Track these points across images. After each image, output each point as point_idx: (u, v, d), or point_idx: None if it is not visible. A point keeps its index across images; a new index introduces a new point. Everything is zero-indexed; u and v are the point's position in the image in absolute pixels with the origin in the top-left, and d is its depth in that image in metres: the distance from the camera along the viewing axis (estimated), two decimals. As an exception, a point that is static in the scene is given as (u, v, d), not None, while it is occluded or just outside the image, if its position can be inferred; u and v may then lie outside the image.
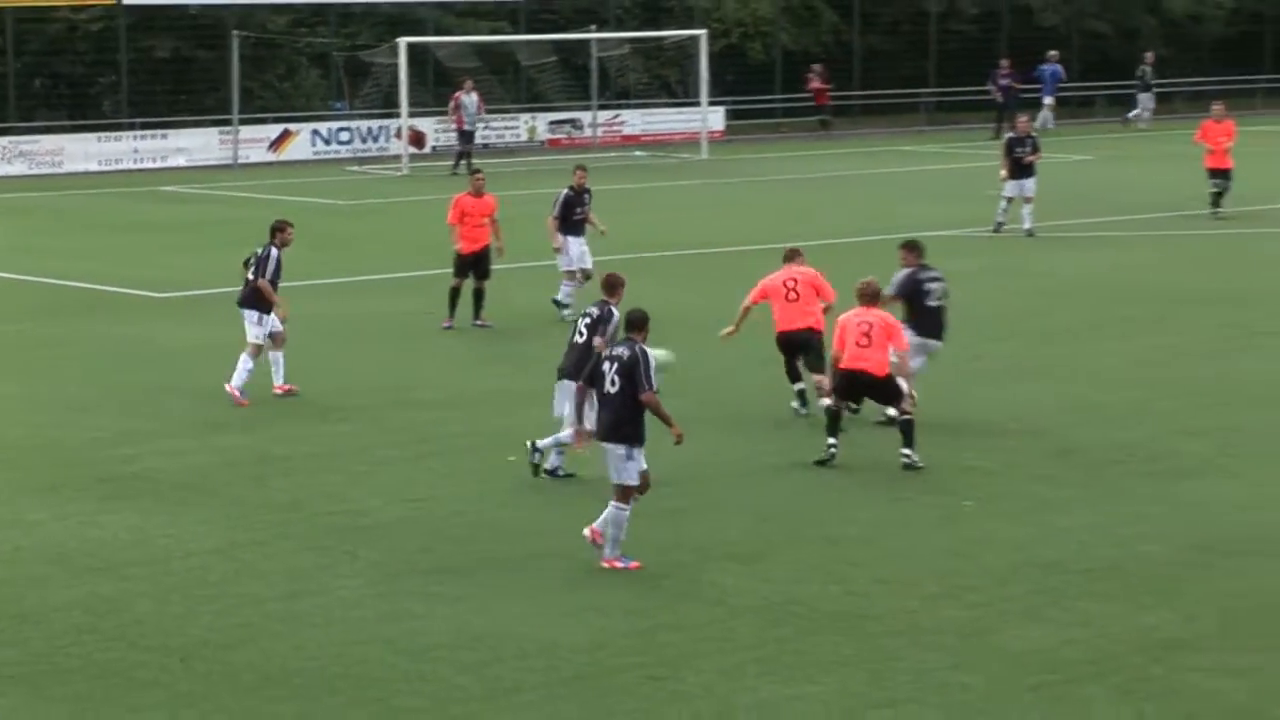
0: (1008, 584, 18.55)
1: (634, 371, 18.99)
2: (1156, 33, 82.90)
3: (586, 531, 19.19)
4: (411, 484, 22.41)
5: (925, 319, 25.03)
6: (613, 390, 19.14)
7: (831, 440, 23.15)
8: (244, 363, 26.87)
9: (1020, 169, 43.92)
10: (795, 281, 25.62)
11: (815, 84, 72.71)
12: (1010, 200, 43.87)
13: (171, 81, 65.82)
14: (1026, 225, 43.43)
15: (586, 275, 32.82)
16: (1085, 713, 15.32)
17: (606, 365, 19.29)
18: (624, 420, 19.09)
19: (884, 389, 23.36)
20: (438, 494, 21.96)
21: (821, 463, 22.99)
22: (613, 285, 22.60)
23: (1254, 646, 16.87)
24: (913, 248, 25.87)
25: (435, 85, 67.61)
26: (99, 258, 39.71)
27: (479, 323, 32.39)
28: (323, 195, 53.96)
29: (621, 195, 49.23)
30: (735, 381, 27.91)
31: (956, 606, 17.92)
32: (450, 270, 32.54)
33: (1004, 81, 71.99)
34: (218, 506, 21.48)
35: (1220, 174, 46.03)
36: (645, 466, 19.18)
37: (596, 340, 21.87)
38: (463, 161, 58.96)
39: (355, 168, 62.57)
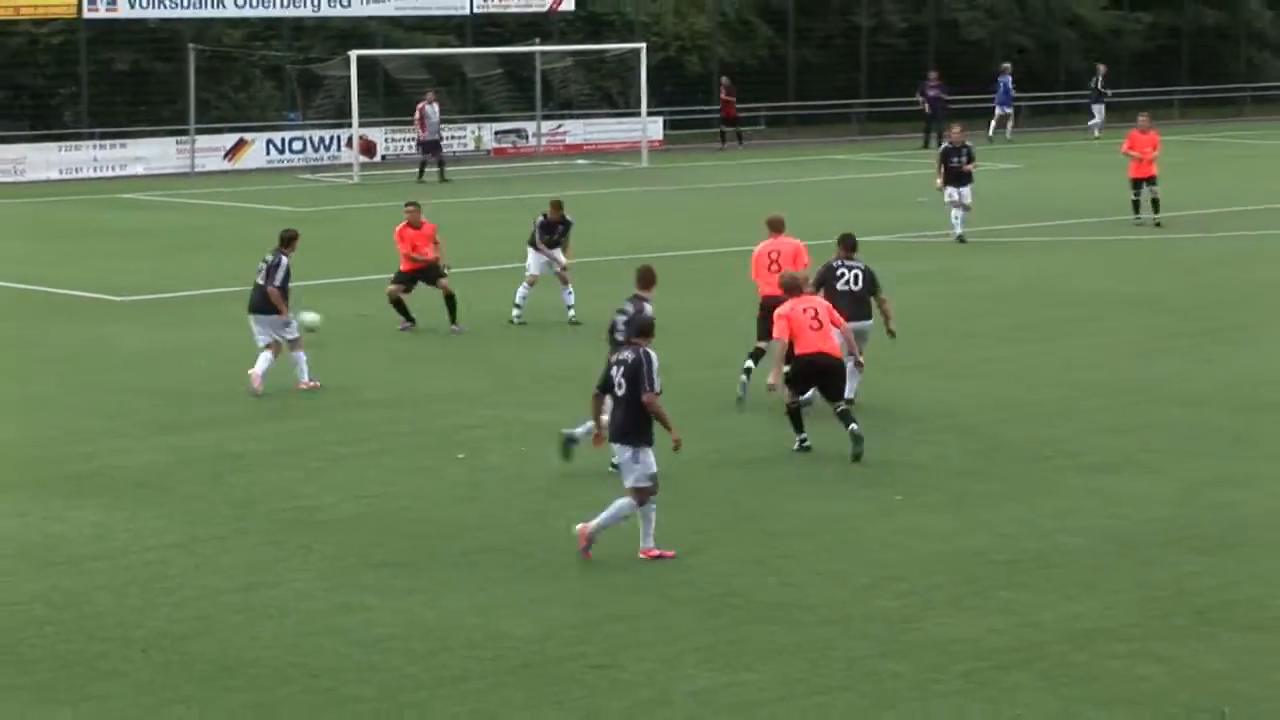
0: (935, 575, 18.61)
1: (638, 374, 18.95)
2: (1077, 46, 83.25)
3: (577, 529, 19.19)
4: (364, 481, 22.40)
5: (837, 303, 24.80)
6: (620, 393, 19.12)
7: (802, 435, 23.37)
8: (265, 360, 27.21)
9: (957, 177, 44.02)
10: (778, 254, 26.26)
11: (723, 96, 72.28)
12: (956, 206, 43.90)
13: (130, 93, 65.62)
14: (958, 230, 43.55)
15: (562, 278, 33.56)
16: (1011, 698, 15.36)
17: (615, 369, 19.25)
18: (630, 422, 19.08)
19: (839, 375, 23.53)
20: (389, 490, 21.95)
21: (806, 450, 23.31)
22: (647, 279, 22.63)
23: (1172, 634, 16.94)
24: (842, 241, 26.67)
25: (385, 96, 67.54)
26: (60, 263, 39.56)
27: (455, 329, 32.33)
28: (277, 202, 53.80)
29: (567, 201, 49.05)
30: (672, 379, 27.89)
31: (886, 597, 17.98)
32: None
33: (932, 93, 72.26)
34: (176, 503, 21.46)
35: (1145, 182, 46.11)
36: (654, 469, 19.09)
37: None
38: (429, 170, 59.75)
39: (308, 176, 62.45)
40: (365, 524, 20.53)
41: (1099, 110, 76.26)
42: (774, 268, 26.35)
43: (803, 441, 23.39)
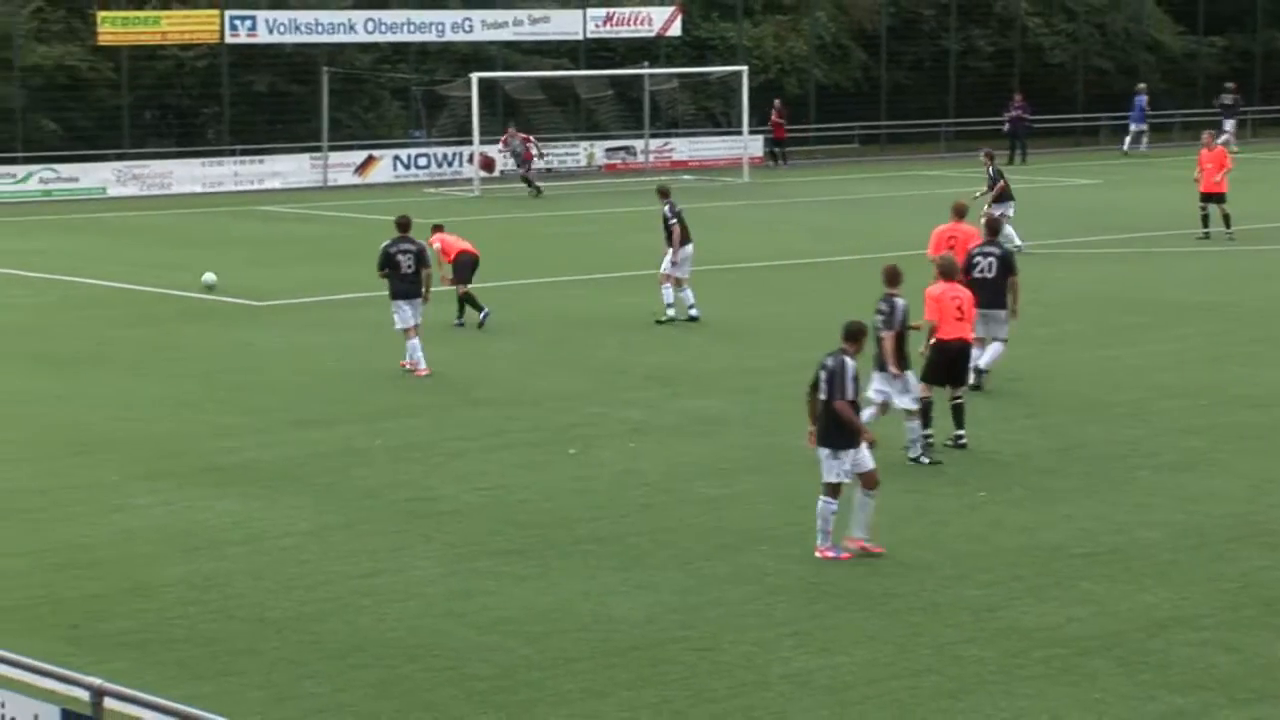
0: (1017, 566, 18.53)
1: (833, 380, 18.72)
2: (1155, 69, 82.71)
3: (846, 542, 18.86)
4: (482, 474, 22.44)
5: (975, 290, 24.75)
6: (823, 397, 18.83)
7: (928, 431, 23.05)
8: (414, 346, 28.64)
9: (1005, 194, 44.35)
10: (955, 238, 28.52)
11: (774, 118, 71.84)
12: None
13: (268, 112, 66.06)
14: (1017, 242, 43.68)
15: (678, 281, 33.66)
16: (1090, 683, 15.28)
17: (821, 374, 18.95)
18: (827, 425, 18.77)
19: (967, 363, 23.65)
20: (506, 483, 21.99)
21: (929, 446, 22.99)
22: (894, 277, 22.68)
23: (1242, 624, 16.83)
24: (987, 226, 27.31)
25: (504, 116, 67.73)
26: (203, 270, 39.80)
27: (459, 323, 33.36)
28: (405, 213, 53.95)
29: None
30: (769, 381, 27.92)
31: (972, 586, 17.91)
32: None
33: (1015, 113, 72.06)
34: (308, 493, 21.57)
35: (1213, 198, 45.68)
36: (855, 467, 18.72)
37: (885, 335, 22.15)
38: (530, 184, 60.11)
39: (432, 190, 62.68)
40: (483, 514, 20.58)
41: (1230, 125, 75.39)
42: (952, 248, 27.38)
43: (928, 437, 23.02)
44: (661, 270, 33.68)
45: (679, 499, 21.18)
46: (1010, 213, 43.58)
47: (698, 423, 25.35)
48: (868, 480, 18.88)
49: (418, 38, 67.72)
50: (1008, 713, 14.67)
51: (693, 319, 33.28)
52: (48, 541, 19.52)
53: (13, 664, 13.13)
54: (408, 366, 28.65)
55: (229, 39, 63.55)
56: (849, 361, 18.86)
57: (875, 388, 22.43)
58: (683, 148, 70.44)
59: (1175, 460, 23.17)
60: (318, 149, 63.87)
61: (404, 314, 28.77)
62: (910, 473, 22.39)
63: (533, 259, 43.00)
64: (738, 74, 67.45)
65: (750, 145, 67.90)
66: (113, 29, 61.76)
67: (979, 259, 26.33)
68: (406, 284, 28.85)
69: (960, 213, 29.62)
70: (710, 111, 72.98)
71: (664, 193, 34.77)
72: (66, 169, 60.12)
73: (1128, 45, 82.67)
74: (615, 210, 54.97)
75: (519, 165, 61.48)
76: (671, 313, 33.44)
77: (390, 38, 67.32)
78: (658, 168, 67.98)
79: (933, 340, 23.40)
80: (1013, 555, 18.93)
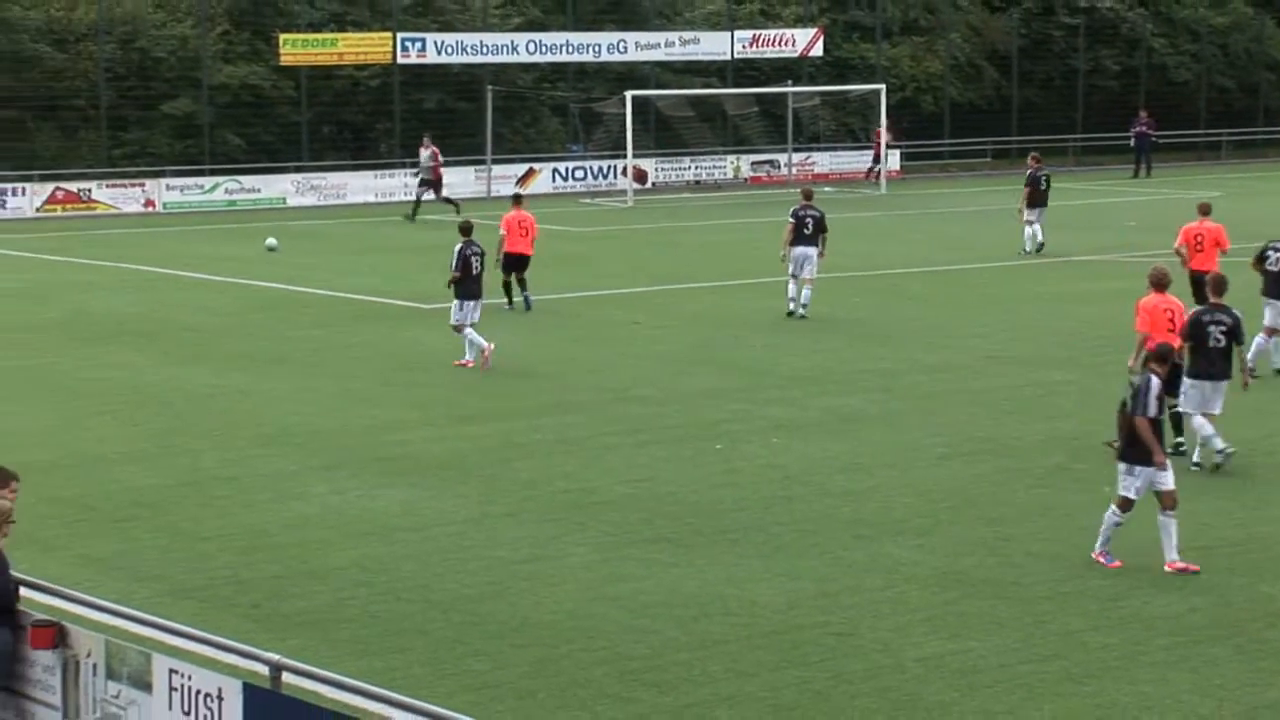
0: (1141, 557, 18.30)
1: (1136, 397, 18.09)
2: (1275, 86, 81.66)
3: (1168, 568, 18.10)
4: (633, 466, 22.48)
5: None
6: (1127, 411, 18.25)
7: (1179, 439, 22.37)
8: (483, 343, 29.25)
9: (1037, 197, 44.64)
10: (1203, 235, 27.49)
11: (878, 137, 70.82)
12: (1030, 224, 44.63)
13: (436, 128, 66.38)
14: (1028, 248, 44.45)
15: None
16: (1210, 669, 15.11)
17: (1129, 390, 18.36)
18: (1127, 441, 18.18)
19: (1178, 372, 22.49)
20: (656, 475, 22.00)
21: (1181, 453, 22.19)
22: (1219, 286, 22.41)
23: (1357, 616, 16.61)
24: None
25: (656, 131, 67.85)
26: (375, 274, 40.15)
27: (511, 306, 34.86)
28: (561, 224, 54.20)
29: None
30: (902, 382, 27.78)
31: (1097, 577, 17.74)
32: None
33: (1140, 128, 71.47)
34: (472, 484, 21.68)
35: None
36: (1152, 485, 18.01)
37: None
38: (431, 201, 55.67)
39: (588, 200, 62.87)
40: (634, 504, 20.60)
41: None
42: (1199, 246, 28.42)
43: (1179, 446, 22.24)
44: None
45: (818, 491, 21.12)
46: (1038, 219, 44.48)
47: (836, 420, 25.27)
48: (1166, 500, 18.08)
49: (576, 58, 67.95)
50: (1130, 697, 14.52)
51: (799, 316, 34.04)
52: (233, 526, 19.75)
53: (198, 640, 13.29)
54: (473, 363, 29.19)
55: (400, 60, 64.09)
56: (1154, 381, 18.14)
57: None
58: (823, 161, 70.28)
59: (1293, 459, 22.86)
60: (482, 162, 64.22)
61: (470, 312, 29.58)
62: (1036, 470, 22.20)
63: (683, 266, 43.04)
64: (876, 92, 67.29)
65: (888, 159, 67.64)
66: (293, 50, 62.42)
67: (1270, 251, 27.62)
68: (477, 284, 29.86)
69: (1205, 210, 30.18)
70: (850, 127, 72.78)
71: (805, 195, 35.95)
72: (250, 180, 60.80)
73: (1249, 65, 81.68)
74: (759, 220, 54.81)
75: (428, 185, 56.07)
76: (791, 306, 34.41)
77: (550, 58, 67.62)
78: (800, 180, 67.72)
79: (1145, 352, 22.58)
80: (1137, 547, 18.69)
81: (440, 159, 56.85)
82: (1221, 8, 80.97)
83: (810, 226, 34.46)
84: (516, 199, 37.32)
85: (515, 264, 35.16)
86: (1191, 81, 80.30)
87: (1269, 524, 19.70)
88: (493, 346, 29.05)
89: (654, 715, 14.19)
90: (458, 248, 30.23)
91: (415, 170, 58.26)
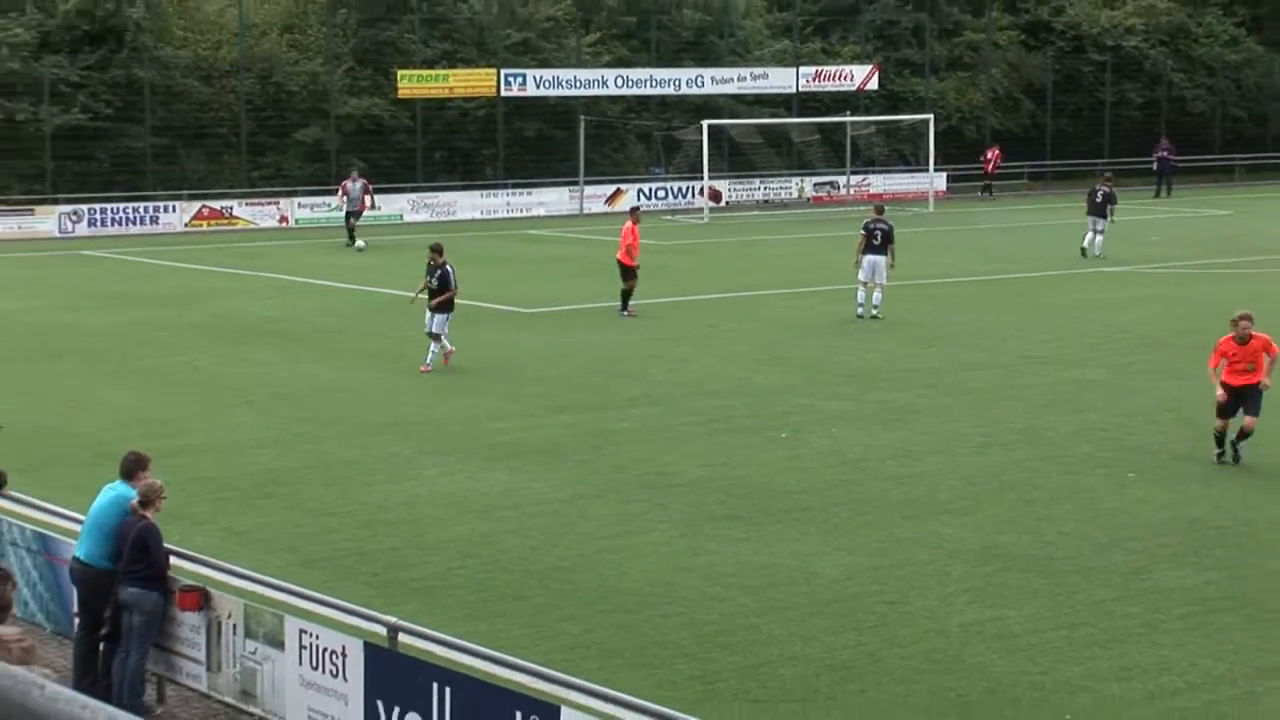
0: (1161, 536, 18.19)
1: None
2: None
3: None
4: (708, 452, 22.46)
5: None
6: None
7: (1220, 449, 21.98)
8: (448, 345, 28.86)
9: (1092, 207, 45.06)
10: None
11: (988, 157, 71.47)
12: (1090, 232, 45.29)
13: (536, 153, 66.61)
14: (1092, 248, 44.58)
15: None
16: (1223, 635, 14.98)
17: None
18: None
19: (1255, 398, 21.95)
20: (728, 460, 21.98)
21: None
22: None
23: (1355, 589, 16.43)
24: None
25: (729, 155, 67.76)
26: (482, 282, 40.17)
27: (625, 314, 34.45)
28: (646, 238, 54.02)
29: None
30: (947, 379, 27.62)
31: (1121, 553, 17.61)
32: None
33: (1161, 154, 71.12)
34: (566, 467, 21.71)
35: None
36: None
37: None
38: (351, 234, 50.99)
39: (669, 217, 62.82)
40: (709, 486, 20.59)
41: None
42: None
43: (1220, 455, 21.92)
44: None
45: (873, 476, 21.06)
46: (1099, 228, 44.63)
47: (889, 412, 25.18)
48: None
49: (658, 91, 67.94)
50: (1150, 660, 14.42)
51: (870, 317, 34.10)
52: (355, 503, 19.85)
53: (325, 604, 13.37)
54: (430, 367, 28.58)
55: (504, 93, 64.24)
56: None
57: None
58: (878, 182, 69.96)
59: (1298, 449, 22.62)
60: (575, 183, 64.28)
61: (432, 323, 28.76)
62: (1066, 458, 22.07)
63: (754, 275, 42.96)
64: (925, 121, 66.99)
65: (935, 181, 67.33)
66: (409, 85, 62.69)
67: None
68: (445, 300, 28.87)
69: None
70: (901, 152, 72.46)
71: (877, 209, 36.43)
72: (371, 195, 60.99)
73: (1259, 97, 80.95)
74: (821, 234, 54.74)
75: (354, 215, 51.28)
76: (860, 310, 34.33)
77: (636, 91, 67.63)
78: (857, 199, 67.60)
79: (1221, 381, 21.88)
80: (1157, 527, 18.59)
81: (370, 190, 52.48)
82: (1235, 46, 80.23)
83: (879, 238, 34.68)
84: (632, 211, 36.90)
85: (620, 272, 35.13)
86: (1207, 112, 79.62)
87: (1275, 507, 19.48)
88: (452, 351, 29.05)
89: (724, 673, 14.18)
90: (450, 268, 29.37)
91: (341, 202, 52.09)
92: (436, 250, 29.62)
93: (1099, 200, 46.05)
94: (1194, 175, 75.75)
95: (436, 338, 28.82)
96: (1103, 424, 24.01)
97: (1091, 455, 22.20)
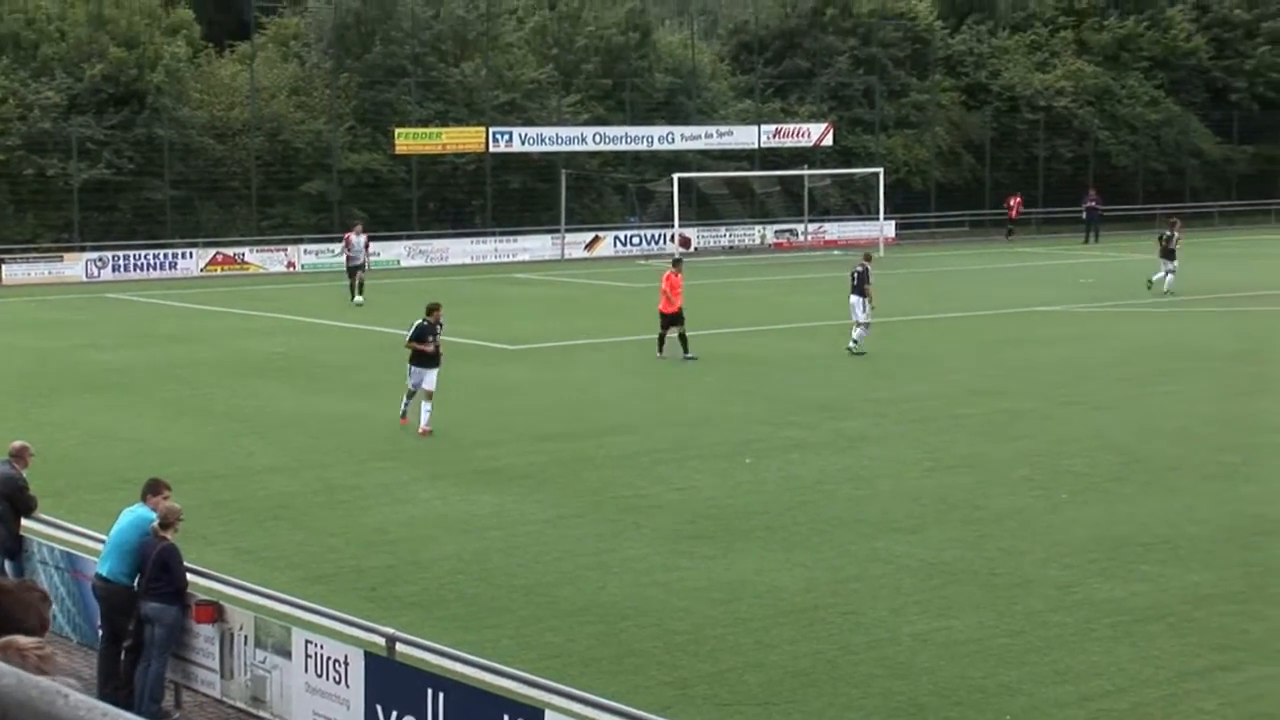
0: (1091, 552, 18.20)
1: None
2: (1199, 170, 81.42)
3: None
4: (678, 477, 22.42)
5: None
6: None
7: None
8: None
9: (1164, 251, 46.55)
10: None
11: (1010, 203, 73.47)
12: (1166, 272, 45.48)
13: (520, 203, 66.67)
14: (1161, 282, 45.19)
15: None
16: (1148, 643, 14.98)
17: None
18: None
19: None
20: (697, 484, 21.96)
21: None
22: None
23: (1269, 600, 16.44)
24: None
25: (697, 205, 67.87)
26: (471, 322, 40.17)
27: (688, 356, 33.46)
28: (621, 280, 54.30)
29: (826, 280, 49.13)
30: (896, 409, 27.63)
31: (1055, 568, 17.62)
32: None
33: (1090, 204, 71.66)
34: (548, 491, 21.66)
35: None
36: None
37: None
38: (354, 285, 47.42)
39: (643, 261, 62.84)
40: (680, 508, 20.56)
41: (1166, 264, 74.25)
42: None
43: None
44: None
45: (829, 498, 21.05)
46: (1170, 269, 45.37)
47: (843, 439, 25.18)
48: None
49: (633, 146, 68.05)
50: (1082, 665, 14.41)
51: (854, 353, 34.30)
52: (356, 524, 19.78)
53: (328, 616, 13.32)
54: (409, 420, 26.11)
55: (492, 149, 64.28)
56: None
57: None
58: (833, 230, 70.08)
59: (1215, 472, 22.65)
60: (557, 231, 64.31)
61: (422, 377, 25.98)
62: (1005, 481, 22.08)
63: (720, 314, 42.95)
64: (875, 174, 67.20)
65: (885, 228, 67.47)
66: (406, 141, 62.72)
67: None
68: (427, 356, 26.21)
69: None
70: (854, 202, 72.58)
71: (865, 256, 37.04)
72: (371, 246, 60.86)
73: (1177, 152, 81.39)
74: (781, 278, 54.82)
75: (358, 268, 47.45)
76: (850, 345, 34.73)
77: (612, 146, 67.72)
78: (814, 245, 67.76)
79: None
80: (1087, 544, 18.60)
81: (368, 245, 49.53)
82: (1155, 106, 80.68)
83: (854, 279, 35.02)
84: (675, 262, 35.94)
85: (665, 320, 34.07)
86: (1131, 166, 80.00)
87: (1196, 524, 19.51)
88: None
89: (694, 679, 14.14)
90: (420, 323, 26.64)
91: (343, 254, 48.88)
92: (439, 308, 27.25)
93: (1171, 247, 46.35)
94: (1119, 223, 76.04)
95: (429, 395, 25.95)
96: (1038, 450, 24.04)
97: (1029, 478, 22.22)
